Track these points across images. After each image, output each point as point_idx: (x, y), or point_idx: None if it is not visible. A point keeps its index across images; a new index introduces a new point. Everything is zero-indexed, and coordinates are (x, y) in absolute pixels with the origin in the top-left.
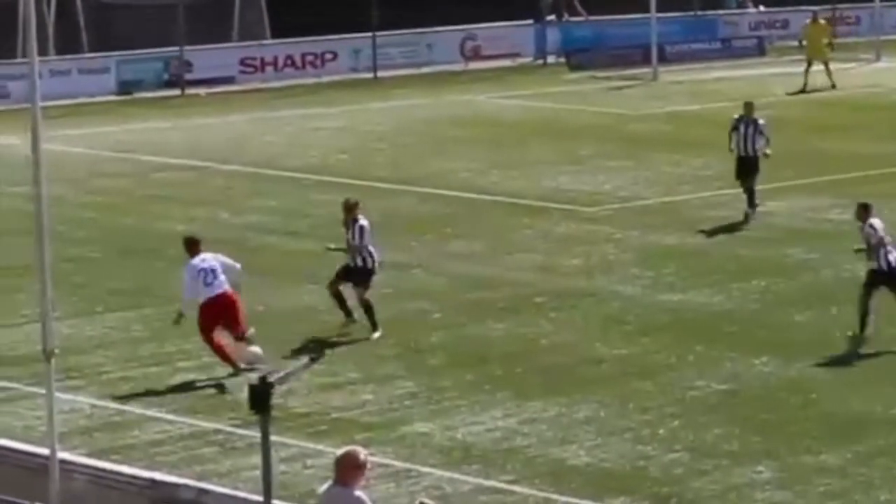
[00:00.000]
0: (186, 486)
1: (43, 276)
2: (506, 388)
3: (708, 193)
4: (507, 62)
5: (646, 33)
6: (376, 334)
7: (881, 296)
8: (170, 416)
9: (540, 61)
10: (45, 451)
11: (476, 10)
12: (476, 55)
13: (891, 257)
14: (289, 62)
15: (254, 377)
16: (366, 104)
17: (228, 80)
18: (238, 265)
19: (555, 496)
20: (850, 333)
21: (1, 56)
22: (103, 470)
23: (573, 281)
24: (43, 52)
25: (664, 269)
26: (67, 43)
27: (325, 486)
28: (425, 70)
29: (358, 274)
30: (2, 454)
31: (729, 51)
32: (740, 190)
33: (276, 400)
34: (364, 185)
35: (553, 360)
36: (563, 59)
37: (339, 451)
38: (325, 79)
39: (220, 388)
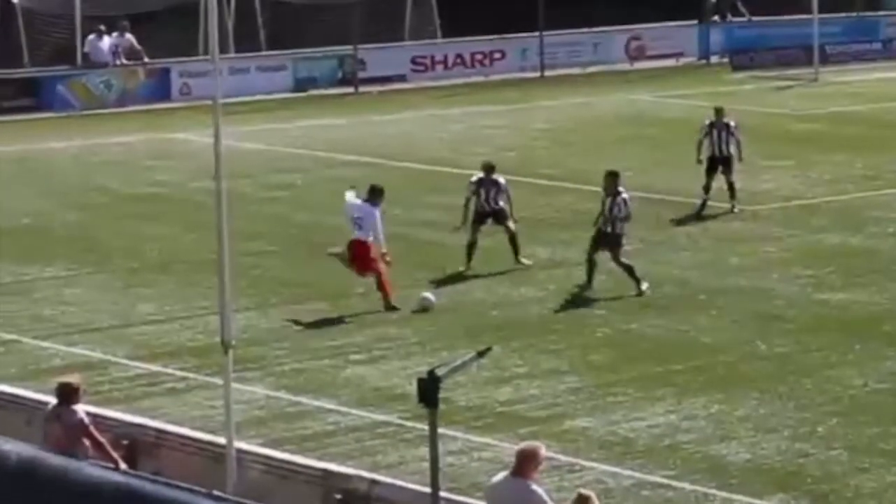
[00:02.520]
0: (358, 477)
1: (222, 269)
2: (667, 384)
3: (871, 193)
4: (670, 62)
5: (808, 34)
6: (644, 285)
7: None
8: (342, 408)
9: (703, 61)
10: (222, 441)
11: (641, 10)
12: (640, 55)
13: None
14: (458, 61)
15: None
16: (532, 103)
17: (400, 79)
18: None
19: (714, 492)
20: None
21: (183, 54)
22: (278, 460)
23: (734, 279)
24: (223, 50)
25: (825, 268)
26: (246, 41)
27: (499, 476)
28: (591, 69)
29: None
30: (180, 443)
31: (890, 51)
32: None
33: (443, 393)
34: (529, 182)
35: (714, 358)
36: (726, 60)
37: (521, 444)
38: (493, 77)
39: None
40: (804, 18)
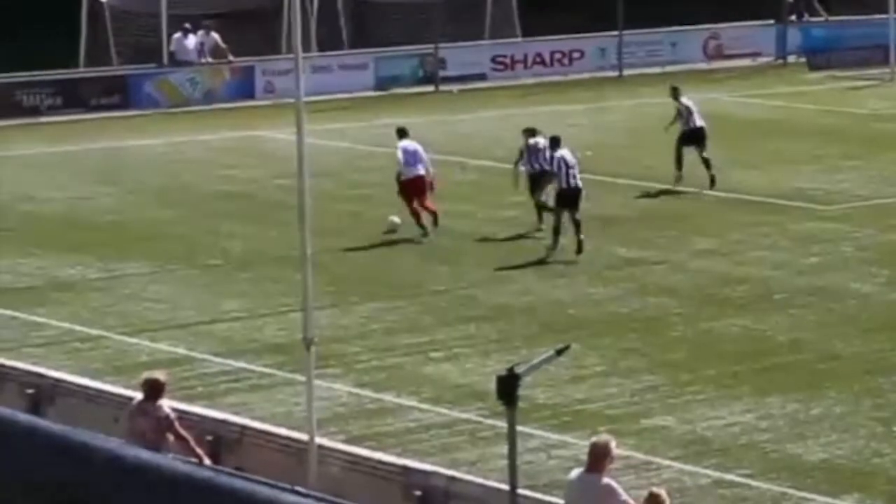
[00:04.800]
0: (437, 474)
1: (305, 266)
2: (744, 383)
3: None
4: (747, 61)
5: (884, 34)
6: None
7: None
8: (422, 405)
9: (780, 61)
10: (303, 437)
11: (719, 9)
12: (718, 54)
13: None
14: (538, 60)
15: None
16: (611, 102)
17: (480, 77)
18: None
19: (791, 491)
20: None
21: (267, 53)
22: (358, 456)
23: (811, 278)
24: (306, 49)
25: None
26: (329, 40)
27: (575, 473)
28: (669, 69)
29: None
30: (263, 439)
31: None
32: None
33: (522, 391)
34: (609, 181)
35: (790, 357)
36: (803, 59)
37: (593, 439)
38: (572, 77)
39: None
40: (881, 18)
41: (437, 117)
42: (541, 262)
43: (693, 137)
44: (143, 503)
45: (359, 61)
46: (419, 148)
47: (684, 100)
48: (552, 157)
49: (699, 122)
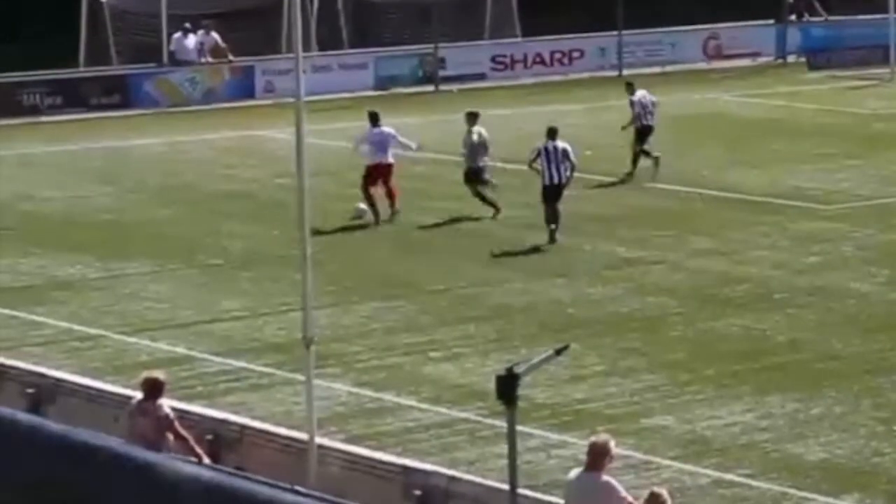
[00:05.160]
0: (437, 474)
1: (304, 266)
2: (744, 383)
3: None
4: (747, 61)
5: (884, 34)
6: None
7: None
8: (421, 405)
9: (780, 61)
10: (303, 436)
11: (718, 9)
12: (718, 54)
13: None
14: (538, 60)
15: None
16: (611, 101)
17: (480, 77)
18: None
19: (791, 491)
20: None
21: (267, 53)
22: (358, 456)
23: (810, 278)
24: (306, 48)
25: None
26: (329, 40)
27: (574, 472)
28: (668, 68)
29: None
30: (263, 438)
31: None
32: None
33: (521, 391)
34: (608, 181)
35: (790, 357)
36: (802, 59)
37: (592, 438)
38: (572, 76)
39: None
40: (881, 18)
41: (437, 117)
42: (540, 261)
43: (644, 134)
44: (143, 503)
45: (359, 61)
46: (391, 134)
47: (638, 96)
48: (545, 148)
49: (651, 120)
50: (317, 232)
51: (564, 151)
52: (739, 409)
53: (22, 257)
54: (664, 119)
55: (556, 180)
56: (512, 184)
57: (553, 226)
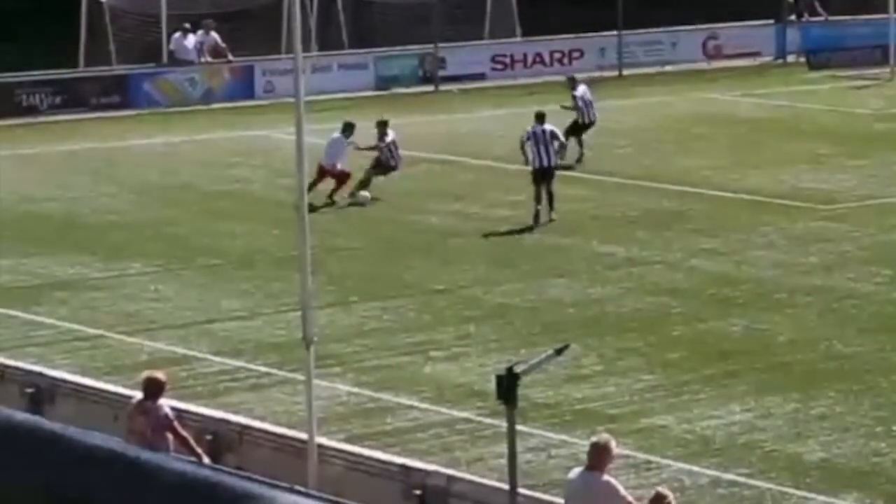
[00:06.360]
0: (436, 473)
1: (304, 266)
2: (744, 382)
3: None
4: (747, 61)
5: (884, 34)
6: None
7: None
8: (421, 405)
9: (780, 61)
10: (303, 436)
11: (718, 9)
12: (718, 54)
13: None
14: (538, 59)
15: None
16: (611, 101)
17: (480, 77)
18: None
19: (791, 490)
20: None
21: (266, 53)
22: (358, 455)
23: (811, 278)
24: (306, 48)
25: None
26: (328, 40)
27: (575, 471)
28: (668, 68)
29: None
30: (263, 438)
31: None
32: None
33: (521, 390)
34: (607, 181)
35: (790, 356)
36: (802, 59)
37: (593, 438)
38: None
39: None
40: (881, 18)
41: (437, 117)
42: (541, 261)
43: (582, 129)
44: (143, 503)
45: (359, 61)
46: (339, 142)
47: (580, 92)
48: (534, 132)
49: (593, 117)
50: (317, 232)
51: (552, 133)
52: (739, 409)
53: (22, 258)
54: (665, 119)
55: (545, 163)
56: (512, 184)
57: (539, 206)
